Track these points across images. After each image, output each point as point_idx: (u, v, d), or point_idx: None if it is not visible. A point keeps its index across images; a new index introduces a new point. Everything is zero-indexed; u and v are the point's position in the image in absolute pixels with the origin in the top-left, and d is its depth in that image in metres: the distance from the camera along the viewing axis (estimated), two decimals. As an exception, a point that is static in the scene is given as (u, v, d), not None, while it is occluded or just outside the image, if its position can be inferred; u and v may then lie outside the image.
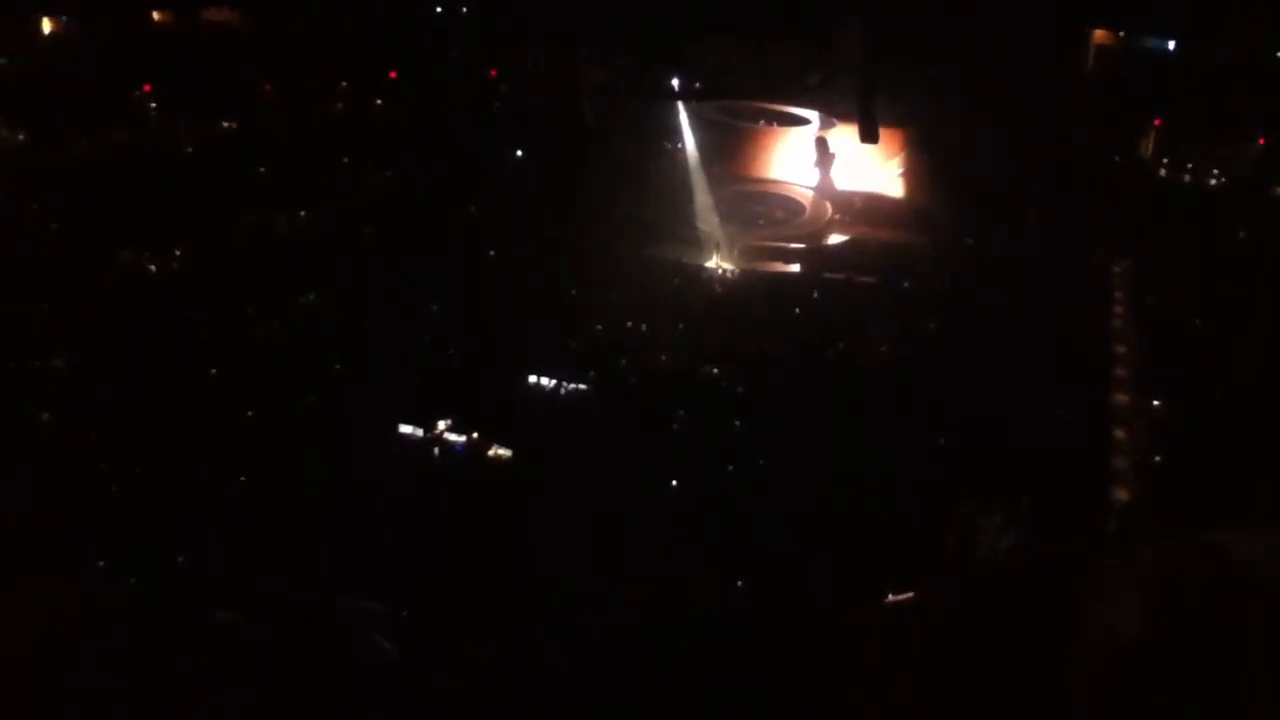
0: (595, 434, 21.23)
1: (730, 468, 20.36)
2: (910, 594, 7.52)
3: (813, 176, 36.93)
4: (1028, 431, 19.78)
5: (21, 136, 32.88)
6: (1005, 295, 25.75)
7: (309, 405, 21.88)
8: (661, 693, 8.70)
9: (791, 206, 36.78)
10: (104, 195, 28.06)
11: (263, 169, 33.97)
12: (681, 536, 17.47)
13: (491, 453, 21.50)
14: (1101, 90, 35.60)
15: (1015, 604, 6.11)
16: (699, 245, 33.41)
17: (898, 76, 32.16)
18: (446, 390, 22.70)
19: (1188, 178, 34.90)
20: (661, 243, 32.79)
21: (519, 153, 37.02)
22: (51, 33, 37.28)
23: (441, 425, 21.77)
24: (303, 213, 31.94)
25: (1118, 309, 27.45)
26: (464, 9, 40.59)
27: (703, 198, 34.88)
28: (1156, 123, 34.93)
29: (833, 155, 36.37)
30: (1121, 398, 23.25)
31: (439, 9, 40.35)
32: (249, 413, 21.48)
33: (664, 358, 25.08)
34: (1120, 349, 25.34)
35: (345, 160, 35.00)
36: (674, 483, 19.79)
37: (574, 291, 27.83)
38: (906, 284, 28.98)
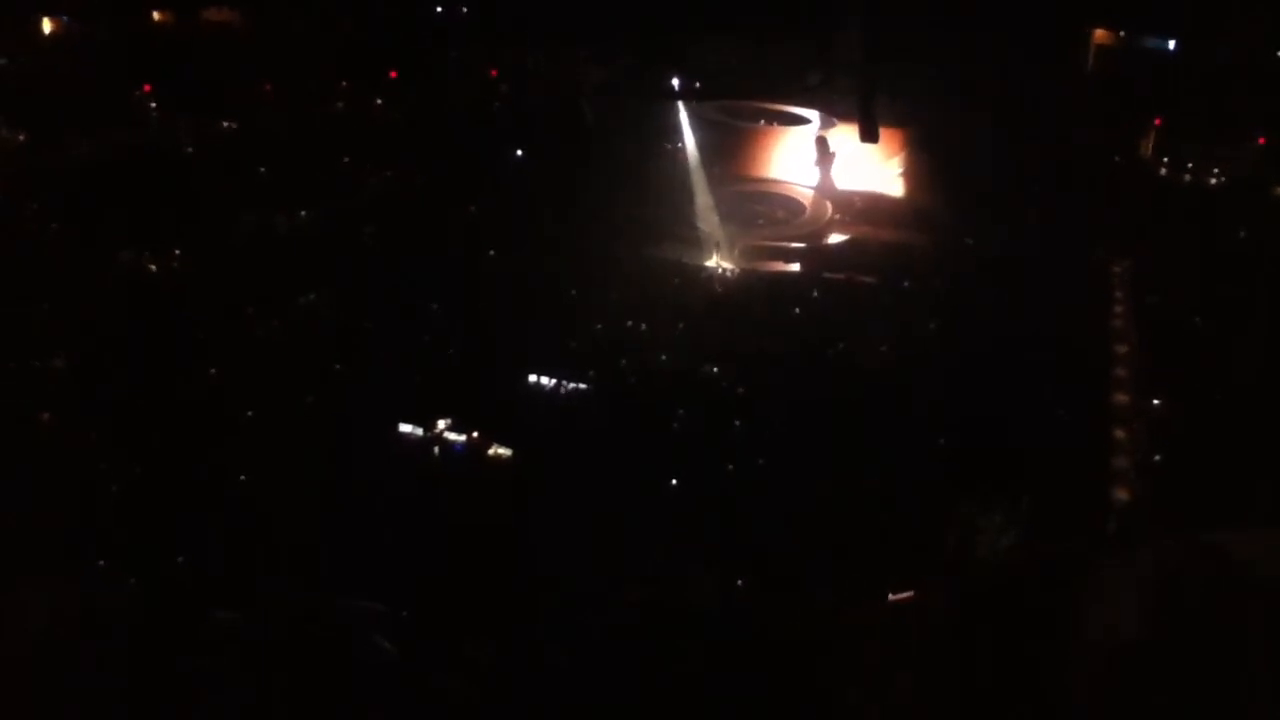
0: (595, 434, 21.22)
1: (730, 468, 20.34)
2: (910, 594, 7.52)
3: (813, 176, 36.92)
4: (1028, 431, 19.76)
5: (22, 136, 32.89)
6: (1005, 295, 25.74)
7: (309, 405, 21.86)
8: (661, 693, 8.70)
9: (792, 206, 36.77)
10: (104, 195, 28.07)
11: (263, 169, 33.97)
12: (681, 536, 17.45)
13: (491, 452, 21.48)
14: (1101, 90, 35.61)
15: (1015, 604, 6.11)
16: (699, 245, 33.40)
17: (898, 76, 32.18)
18: (446, 390, 22.69)
19: (1188, 177, 34.92)
20: (662, 243, 32.77)
21: (519, 153, 37.02)
22: (52, 33, 37.30)
23: (441, 425, 21.76)
24: (303, 213, 31.94)
25: (1118, 309, 27.43)
26: (464, 9, 40.60)
27: (703, 197, 34.87)
28: (1157, 122, 34.94)
29: (833, 155, 36.36)
30: (1122, 397, 23.23)
31: (439, 9, 40.36)
32: (249, 413, 21.46)
33: (664, 357, 25.07)
34: (1120, 349, 25.33)
35: (345, 160, 35.00)
36: (674, 483, 19.77)
37: (574, 291, 27.83)
38: (907, 284, 28.97)
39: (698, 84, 37.48)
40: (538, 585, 14.97)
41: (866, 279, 29.96)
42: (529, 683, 10.07)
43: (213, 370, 22.93)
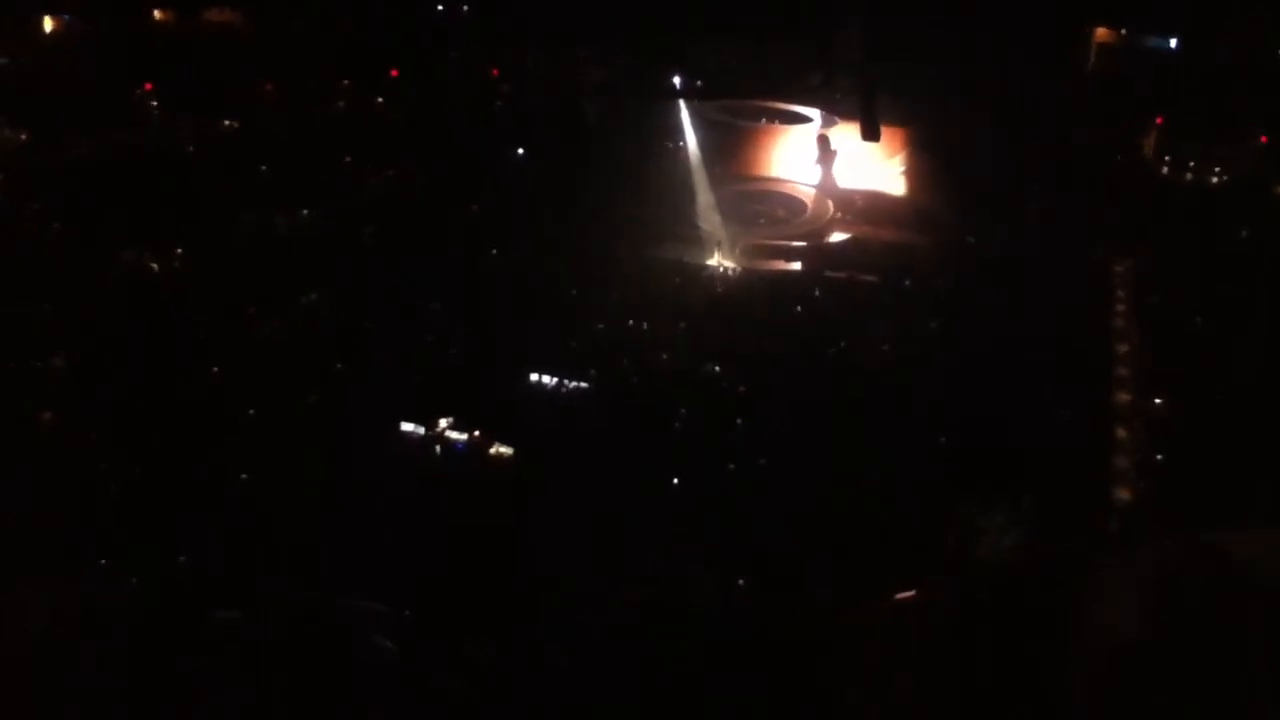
0: (596, 433, 21.22)
1: (730, 468, 20.34)
2: (910, 594, 7.51)
3: (814, 175, 36.91)
4: (1028, 431, 19.76)
5: (23, 136, 32.91)
6: (1006, 295, 25.74)
7: (309, 405, 21.87)
8: (661, 693, 8.70)
9: (793, 205, 36.76)
10: (105, 195, 28.09)
11: (263, 169, 33.99)
12: (681, 536, 17.44)
13: (492, 452, 21.48)
14: (1102, 90, 35.60)
15: (1015, 604, 6.10)
16: (700, 244, 33.40)
17: (898, 76, 32.19)
18: (447, 389, 22.70)
19: (1189, 177, 34.91)
20: (663, 242, 32.78)
21: (519, 152, 37.03)
22: (53, 32, 37.33)
23: (442, 424, 21.77)
24: (303, 212, 31.96)
25: (1118, 309, 27.42)
26: (464, 9, 40.64)
27: (704, 197, 34.86)
28: (1158, 122, 34.93)
29: (834, 153, 36.34)
30: (1122, 397, 23.22)
31: (439, 9, 40.40)
32: (249, 413, 21.47)
33: (665, 357, 25.08)
34: (1121, 349, 25.32)
35: (345, 160, 35.02)
36: (674, 483, 19.77)
37: (575, 291, 27.84)
38: (908, 283, 28.97)
39: (698, 83, 37.49)
40: (538, 585, 14.96)
41: (868, 278, 29.95)
42: (529, 683, 10.07)
43: (213, 370, 22.93)
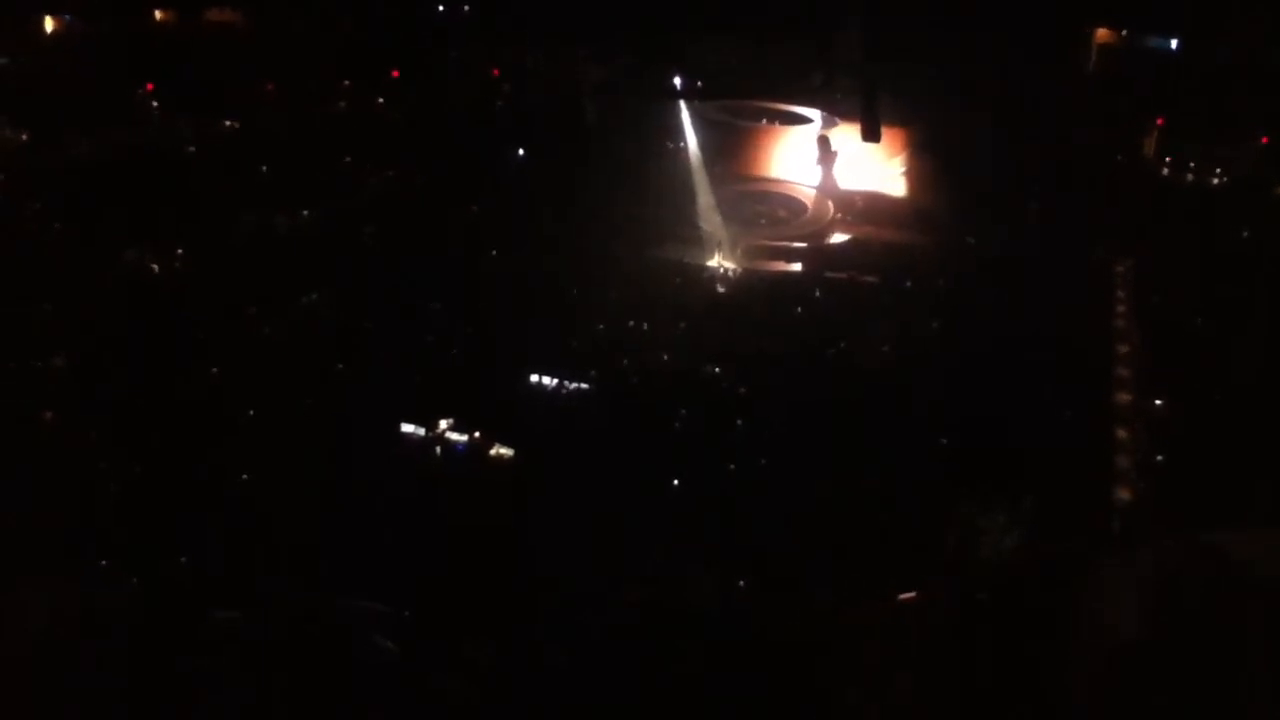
0: (596, 434, 21.21)
1: (730, 468, 20.33)
2: (910, 594, 7.52)
3: (815, 175, 36.89)
4: (1028, 431, 19.74)
5: (23, 136, 32.91)
6: (1006, 295, 25.74)
7: (309, 405, 21.86)
8: (661, 693, 8.70)
9: (794, 206, 36.74)
10: (105, 195, 28.09)
11: (263, 169, 33.99)
12: (681, 536, 17.44)
13: (492, 452, 21.48)
14: (1102, 90, 35.60)
15: (1015, 604, 6.11)
16: (701, 245, 33.38)
17: (899, 76, 32.19)
18: (447, 390, 22.69)
19: (1189, 177, 34.90)
20: (663, 242, 32.76)
21: (519, 152, 37.03)
22: (53, 32, 37.34)
23: (443, 425, 21.76)
24: (303, 213, 31.96)
25: (1118, 309, 27.42)
26: (464, 9, 40.65)
27: (704, 197, 34.85)
28: (1158, 122, 34.93)
29: (835, 154, 36.33)
30: (1123, 397, 23.21)
31: (439, 9, 40.41)
32: (249, 413, 21.47)
33: (665, 357, 25.06)
34: (1121, 349, 25.31)
35: (345, 160, 35.03)
36: (674, 483, 19.76)
37: (575, 291, 27.83)
38: (908, 283, 28.96)
39: (699, 83, 37.48)
40: (538, 585, 14.96)
41: (868, 279, 29.95)
42: (529, 683, 10.06)
43: (213, 370, 22.93)
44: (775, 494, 18.93)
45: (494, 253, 30.18)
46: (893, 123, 33.69)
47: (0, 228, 28.23)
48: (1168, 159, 35.23)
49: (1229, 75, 32.91)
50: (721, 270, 32.40)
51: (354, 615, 9.92)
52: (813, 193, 36.66)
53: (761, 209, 36.75)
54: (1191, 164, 34.85)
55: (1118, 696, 5.19)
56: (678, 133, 36.37)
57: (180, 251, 28.56)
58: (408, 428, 21.73)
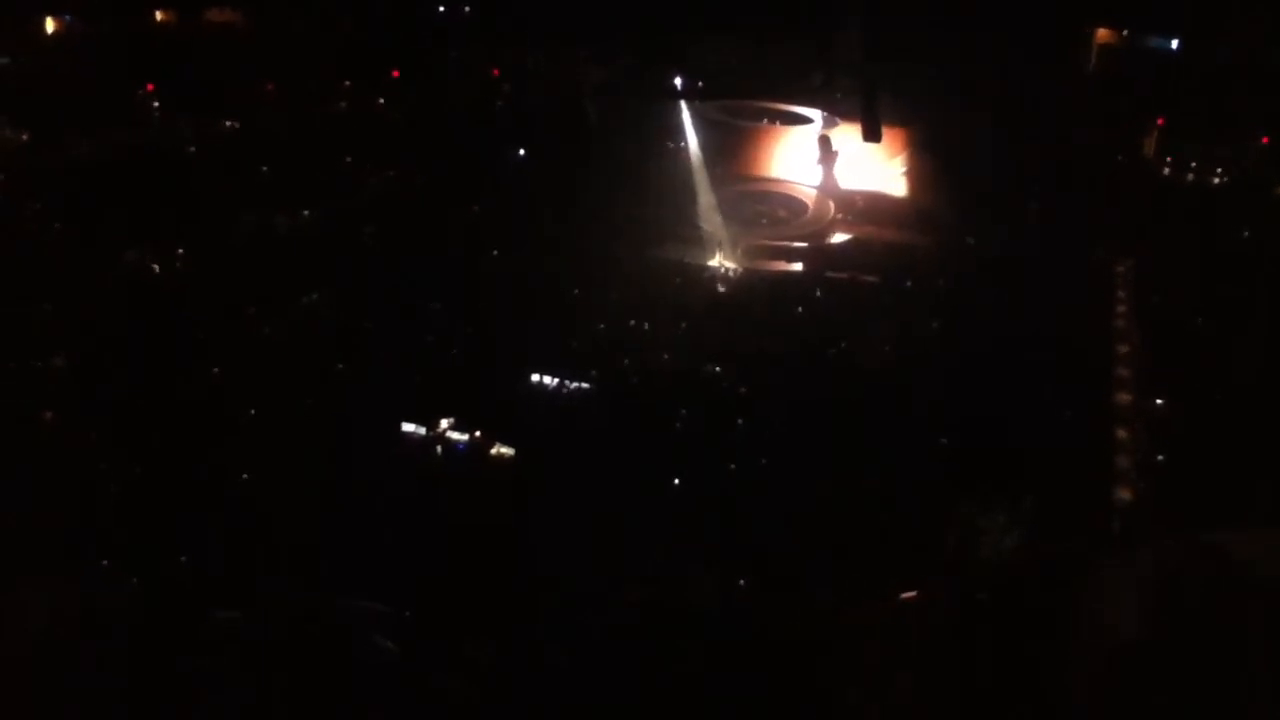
0: (596, 433, 21.22)
1: (730, 468, 20.34)
2: (910, 594, 7.51)
3: (816, 175, 36.91)
4: (1028, 431, 19.75)
5: (23, 136, 32.91)
6: (1007, 295, 25.75)
7: (309, 405, 21.86)
8: (661, 693, 8.69)
9: (794, 206, 36.78)
10: (105, 195, 28.08)
11: (263, 169, 34.00)
12: (681, 536, 17.44)
13: (493, 452, 21.49)
14: (1102, 90, 35.61)
15: (1015, 604, 6.11)
16: (701, 245, 33.41)
17: (899, 76, 32.19)
18: (448, 389, 22.70)
19: (1189, 177, 34.92)
20: (664, 242, 32.79)
21: (520, 153, 37.04)
22: (54, 32, 37.34)
23: (443, 424, 21.77)
24: (303, 213, 31.97)
25: (1119, 309, 27.43)
26: (464, 9, 40.66)
27: (705, 197, 34.88)
28: (1158, 122, 34.94)
29: (835, 154, 36.34)
30: (1123, 397, 23.23)
31: (439, 9, 40.42)
32: (249, 413, 21.47)
33: (665, 357, 25.08)
34: (1121, 349, 25.32)
35: (345, 160, 35.04)
36: (674, 483, 19.77)
37: (575, 291, 27.84)
38: (909, 283, 28.97)
39: (699, 83, 37.50)
40: (538, 585, 14.96)
41: (869, 278, 29.97)
42: (529, 683, 10.06)
43: (213, 370, 22.94)
44: (775, 494, 18.94)
45: (494, 253, 30.20)
46: (893, 123, 33.70)
47: (0, 228, 28.21)
48: (1168, 159, 35.26)
49: (1229, 75, 32.92)
50: (722, 270, 32.41)
51: (354, 615, 9.92)
52: (813, 193, 36.69)
53: (762, 209, 36.78)
54: (1191, 164, 34.86)
55: (1118, 696, 5.18)
56: (678, 133, 36.39)
57: (180, 251, 28.58)
58: (408, 428, 21.73)
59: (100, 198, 27.97)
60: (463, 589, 14.64)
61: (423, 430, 21.74)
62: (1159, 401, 22.66)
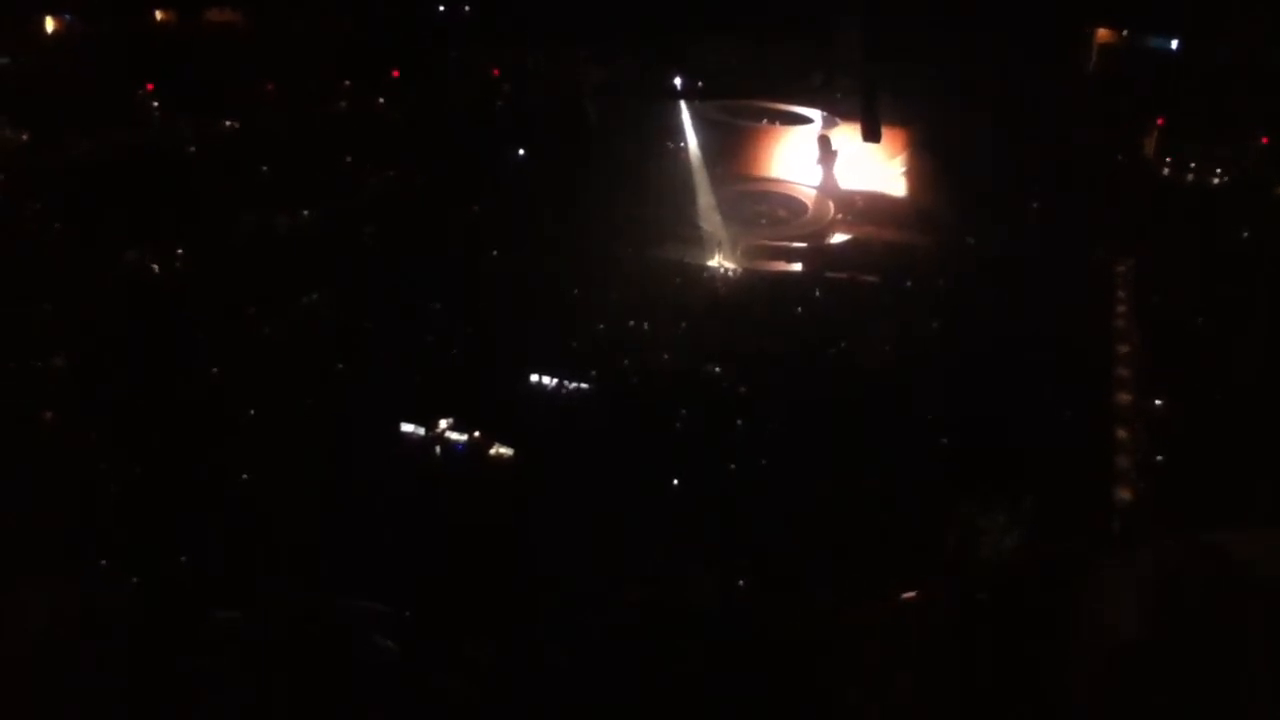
0: (596, 433, 21.22)
1: (730, 468, 20.34)
2: (910, 594, 7.51)
3: (815, 175, 36.91)
4: (1028, 431, 19.74)
5: (23, 136, 32.93)
6: (1007, 295, 25.75)
7: (309, 405, 21.86)
8: (661, 693, 8.69)
9: (794, 206, 36.77)
10: (105, 195, 28.09)
11: (263, 169, 34.01)
12: (681, 536, 17.44)
13: (492, 452, 21.49)
14: (1102, 90, 35.63)
15: (1015, 604, 6.11)
16: (701, 245, 33.40)
17: (899, 76, 32.21)
18: (447, 389, 22.69)
19: (1189, 177, 34.93)
20: (664, 242, 32.78)
21: (520, 153, 37.04)
22: (54, 32, 37.36)
23: (443, 425, 21.77)
24: (303, 213, 31.98)
25: (1119, 309, 27.43)
26: (464, 9, 40.68)
27: (705, 197, 34.88)
28: (1158, 122, 34.95)
29: (835, 154, 36.34)
30: (1123, 397, 23.22)
31: (439, 9, 40.44)
32: (249, 413, 21.47)
33: (665, 357, 25.07)
34: (1121, 349, 25.32)
35: (345, 160, 35.05)
36: (674, 483, 19.76)
37: (575, 291, 27.84)
38: (908, 283, 28.97)
39: (699, 83, 37.51)
40: (538, 585, 14.96)
41: (869, 278, 29.96)
42: (529, 683, 10.06)
43: (213, 370, 22.94)
44: (775, 494, 18.93)
45: (494, 253, 30.19)
46: (893, 123, 33.71)
47: (0, 228, 28.22)
48: (1168, 159, 35.26)
49: (1229, 75, 32.94)
50: (722, 270, 32.41)
51: (354, 615, 9.92)
52: (813, 193, 36.69)
53: (762, 209, 36.78)
54: (1191, 164, 34.87)
55: (1118, 696, 5.18)
56: (678, 133, 36.39)
57: (180, 251, 28.57)
58: (408, 428, 21.73)
59: (100, 198, 27.98)
60: (463, 589, 14.64)
61: (422, 430, 21.72)
62: (1159, 401, 22.64)
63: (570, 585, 14.68)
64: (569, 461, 19.75)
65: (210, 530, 16.94)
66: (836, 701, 6.83)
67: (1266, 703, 4.85)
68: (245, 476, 19.31)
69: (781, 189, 37.38)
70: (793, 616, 11.69)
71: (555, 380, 23.61)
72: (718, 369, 24.34)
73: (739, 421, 21.95)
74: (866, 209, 35.81)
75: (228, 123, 36.50)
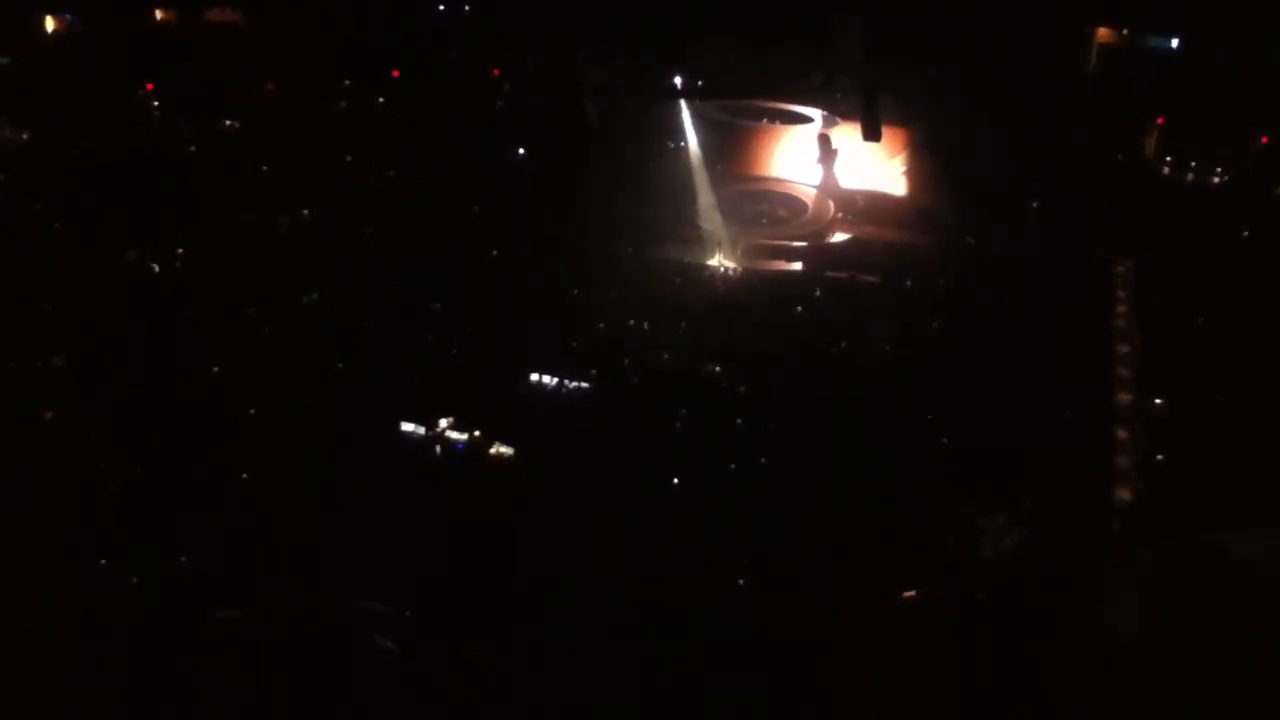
0: (596, 433, 21.22)
1: (730, 468, 20.33)
2: (910, 594, 7.51)
3: (816, 175, 36.91)
4: (1028, 431, 19.74)
5: (23, 136, 32.93)
6: (1007, 295, 25.75)
7: (309, 405, 21.86)
8: (661, 693, 8.69)
9: (794, 205, 36.77)
10: (105, 195, 28.10)
11: (263, 169, 34.02)
12: (681, 536, 17.44)
13: (492, 452, 21.48)
14: (1102, 90, 35.63)
15: (1015, 604, 6.11)
16: (701, 244, 33.41)
17: (899, 76, 32.21)
18: (448, 389, 22.69)
19: (1189, 177, 34.93)
20: (664, 242, 32.79)
21: (520, 152, 37.05)
22: (54, 32, 37.37)
23: (443, 424, 21.77)
24: (303, 213, 31.98)
25: (1119, 309, 27.43)
26: (464, 9, 40.69)
27: (705, 197, 34.89)
28: (1158, 122, 34.96)
29: (835, 153, 36.34)
30: (1123, 397, 23.22)
31: (439, 9, 40.45)
32: (249, 413, 21.46)
33: (665, 357, 25.07)
34: (1121, 349, 25.32)
35: (345, 160, 35.05)
36: (674, 483, 19.76)
37: (575, 291, 27.84)
38: (909, 283, 28.97)
39: (699, 83, 37.51)
40: (538, 585, 14.95)
41: (869, 278, 29.96)
42: (529, 683, 10.06)
43: (213, 370, 22.94)
44: (775, 494, 18.92)
45: (494, 253, 30.19)
46: (893, 122, 33.70)
47: (0, 228, 28.22)
48: (1168, 159, 35.25)
49: (1229, 75, 32.93)
50: (722, 270, 32.41)
51: (354, 615, 9.91)
52: (813, 192, 36.68)
53: (762, 209, 36.78)
54: (1191, 164, 34.87)
55: (1118, 696, 5.18)
56: (678, 133, 36.38)
57: (180, 251, 28.57)
58: (408, 427, 21.73)
59: (100, 198, 27.99)
60: (463, 589, 14.64)
61: (422, 430, 21.72)
62: (1159, 401, 22.64)
63: (570, 585, 14.67)
64: (569, 461, 19.74)
65: (210, 530, 16.94)
66: (836, 701, 6.84)
67: (1266, 703, 4.85)
68: (245, 476, 19.30)
69: (782, 188, 37.38)
70: (793, 616, 11.69)
71: (555, 380, 23.60)
72: (718, 369, 24.33)
73: (739, 421, 21.94)
74: (867, 209, 35.81)
75: (228, 123, 36.51)
